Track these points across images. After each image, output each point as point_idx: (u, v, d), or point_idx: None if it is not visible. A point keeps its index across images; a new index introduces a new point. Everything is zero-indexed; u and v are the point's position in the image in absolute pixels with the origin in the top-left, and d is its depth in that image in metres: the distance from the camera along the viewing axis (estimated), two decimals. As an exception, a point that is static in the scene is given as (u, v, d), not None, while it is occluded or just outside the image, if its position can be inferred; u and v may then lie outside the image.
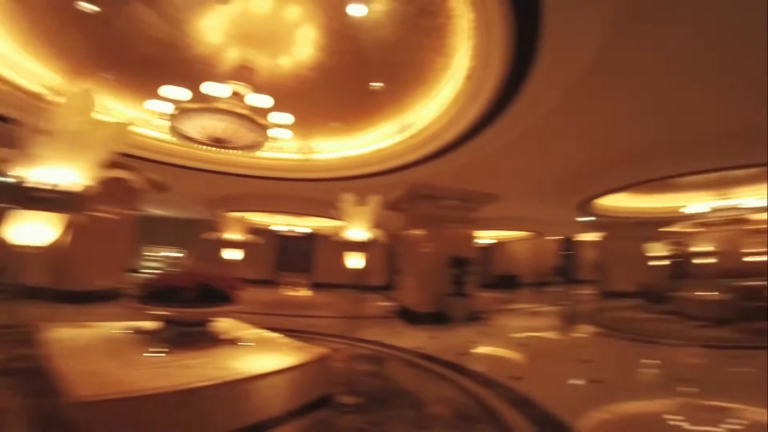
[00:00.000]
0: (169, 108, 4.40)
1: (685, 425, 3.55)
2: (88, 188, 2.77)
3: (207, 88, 4.22)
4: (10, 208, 2.63)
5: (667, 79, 4.41)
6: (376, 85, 5.59)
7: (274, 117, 4.79)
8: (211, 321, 4.13)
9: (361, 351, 6.06)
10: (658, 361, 6.16)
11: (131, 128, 6.54)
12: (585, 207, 10.28)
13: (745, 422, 3.69)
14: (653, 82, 4.48)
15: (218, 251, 12.14)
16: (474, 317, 9.35)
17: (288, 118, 4.83)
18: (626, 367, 5.86)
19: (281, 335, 4.72)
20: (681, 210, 9.94)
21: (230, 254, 12.10)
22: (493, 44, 3.77)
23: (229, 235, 12.14)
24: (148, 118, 6.73)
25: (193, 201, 12.99)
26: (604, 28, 3.42)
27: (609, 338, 7.86)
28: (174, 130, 4.74)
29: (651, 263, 15.25)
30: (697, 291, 10.19)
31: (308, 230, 15.83)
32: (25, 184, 2.64)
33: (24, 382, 3.19)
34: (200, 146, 5.11)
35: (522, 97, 4.53)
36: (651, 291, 12.37)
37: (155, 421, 2.61)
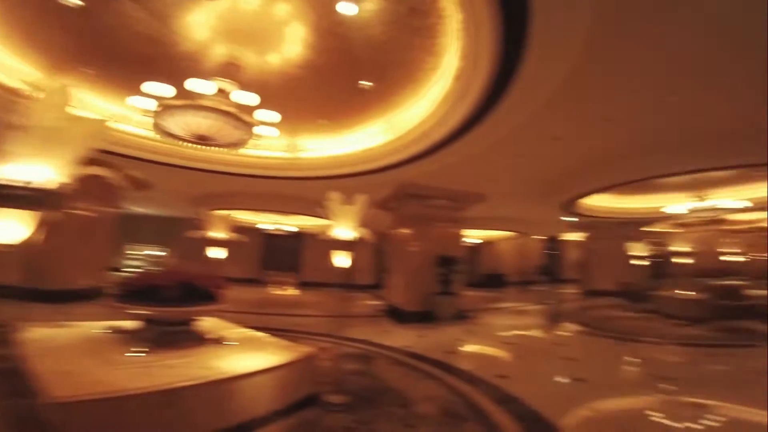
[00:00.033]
0: (153, 104, 4.30)
1: (666, 422, 3.64)
2: (63, 186, 2.67)
3: (192, 84, 4.14)
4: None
5: (652, 81, 4.49)
6: (365, 84, 5.57)
7: (261, 114, 4.72)
8: (194, 320, 4.05)
9: (349, 350, 6.04)
10: (639, 359, 6.30)
11: (110, 125, 6.41)
12: (569, 207, 10.47)
13: (723, 419, 3.81)
14: (638, 83, 4.57)
15: (203, 250, 11.96)
16: (461, 316, 9.42)
17: (275, 116, 4.77)
18: (608, 365, 5.98)
19: (267, 334, 4.67)
20: (661, 210, 10.17)
21: (215, 253, 11.94)
22: (482, 44, 3.80)
23: (213, 234, 11.96)
24: (131, 114, 6.59)
25: (177, 199, 12.77)
26: (590, 30, 3.47)
27: (592, 336, 8.02)
28: (157, 127, 4.63)
29: (632, 263, 15.60)
30: (675, 290, 10.46)
31: (295, 229, 15.72)
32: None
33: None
34: (184, 143, 5.01)
35: (509, 97, 4.57)
36: (632, 290, 12.64)
37: (136, 421, 2.55)
